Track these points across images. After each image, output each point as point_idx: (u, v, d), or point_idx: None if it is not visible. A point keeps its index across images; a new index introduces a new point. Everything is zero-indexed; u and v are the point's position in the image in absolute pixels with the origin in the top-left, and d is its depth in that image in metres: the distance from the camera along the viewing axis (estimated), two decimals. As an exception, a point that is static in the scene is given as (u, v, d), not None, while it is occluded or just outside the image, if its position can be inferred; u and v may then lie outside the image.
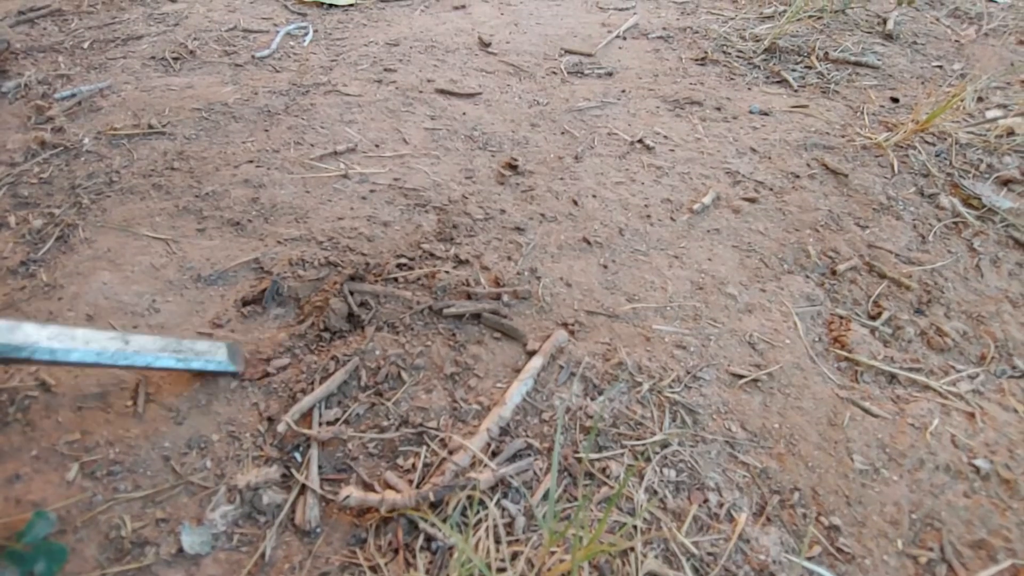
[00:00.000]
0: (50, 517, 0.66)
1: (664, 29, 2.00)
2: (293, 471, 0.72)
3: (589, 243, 1.05)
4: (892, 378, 0.90)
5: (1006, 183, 1.29)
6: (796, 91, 1.63)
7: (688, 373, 0.85)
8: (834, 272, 1.05)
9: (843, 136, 1.41)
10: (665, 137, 1.38)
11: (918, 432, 0.82)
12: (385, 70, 1.60)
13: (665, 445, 0.77)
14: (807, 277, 1.04)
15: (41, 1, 1.84)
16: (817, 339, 0.94)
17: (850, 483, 0.76)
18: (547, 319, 0.91)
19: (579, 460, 0.74)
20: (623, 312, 0.93)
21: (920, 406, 0.85)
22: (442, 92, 1.51)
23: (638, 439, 0.77)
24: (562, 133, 1.38)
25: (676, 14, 2.08)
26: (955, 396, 0.88)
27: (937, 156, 1.36)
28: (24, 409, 0.76)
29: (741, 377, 0.86)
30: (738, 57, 1.81)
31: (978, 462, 0.79)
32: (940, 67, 1.78)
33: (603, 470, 0.74)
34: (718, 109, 1.51)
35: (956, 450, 0.80)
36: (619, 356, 0.86)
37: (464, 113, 1.42)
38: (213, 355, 0.79)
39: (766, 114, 1.50)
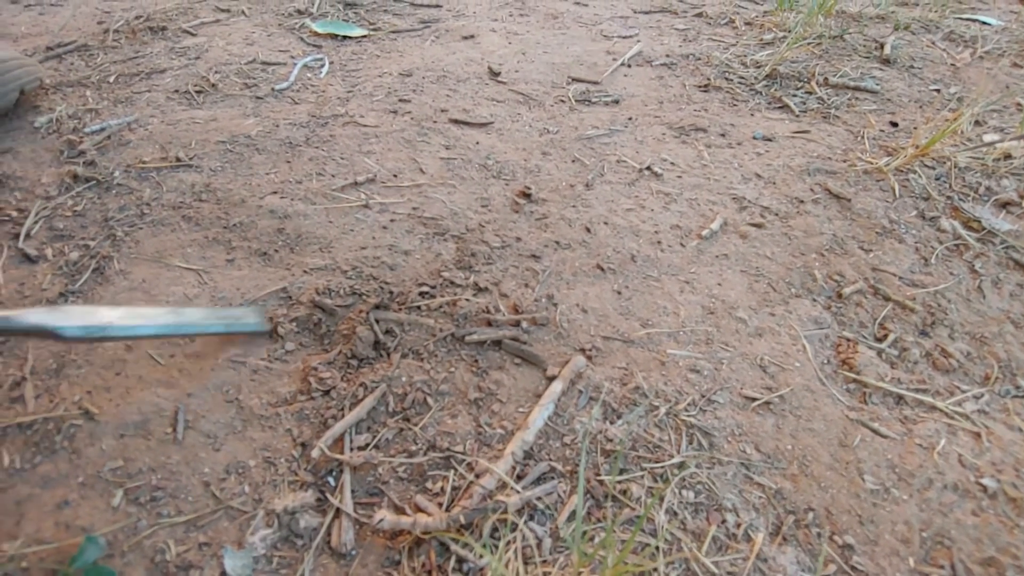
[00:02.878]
0: (100, 542, 0.69)
1: (667, 56, 2.06)
2: (327, 495, 0.76)
3: (603, 270, 1.09)
4: (900, 399, 0.93)
5: (1004, 205, 1.33)
6: (798, 116, 1.68)
7: (703, 396, 0.89)
8: (840, 295, 1.09)
9: (845, 161, 1.46)
10: (672, 164, 1.43)
11: (926, 452, 0.85)
12: (400, 100, 1.66)
13: (683, 467, 0.80)
14: (814, 301, 1.08)
15: (67, 37, 1.91)
16: (826, 361, 0.98)
17: (862, 503, 0.79)
18: (565, 345, 0.95)
19: (601, 483, 0.77)
20: (638, 337, 0.97)
21: (927, 426, 0.88)
22: (455, 122, 1.57)
23: (657, 462, 0.80)
24: (572, 161, 1.43)
25: (679, 41, 2.14)
26: (961, 416, 0.91)
27: (937, 180, 1.40)
28: (70, 437, 0.79)
29: (754, 400, 0.89)
30: (740, 83, 1.86)
31: (985, 481, 0.82)
32: (937, 91, 1.83)
33: (624, 492, 0.77)
34: (722, 135, 1.56)
35: (964, 469, 0.83)
36: (636, 380, 0.89)
37: (477, 142, 1.47)
38: (247, 319, 0.94)
39: (769, 140, 1.55)
